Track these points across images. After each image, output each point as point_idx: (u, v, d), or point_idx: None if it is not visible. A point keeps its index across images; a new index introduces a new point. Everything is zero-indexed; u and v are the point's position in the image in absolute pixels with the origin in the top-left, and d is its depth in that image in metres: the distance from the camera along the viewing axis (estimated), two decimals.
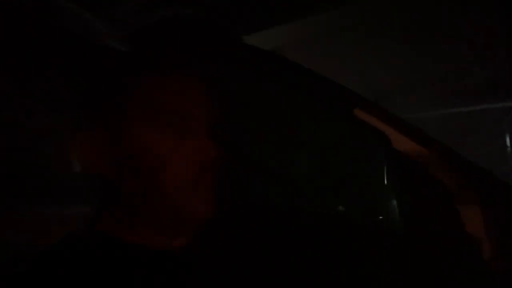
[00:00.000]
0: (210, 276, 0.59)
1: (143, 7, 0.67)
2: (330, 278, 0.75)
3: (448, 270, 0.80)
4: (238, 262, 0.64)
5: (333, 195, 1.17)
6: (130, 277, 0.53)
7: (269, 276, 0.67)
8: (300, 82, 0.97)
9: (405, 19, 1.08)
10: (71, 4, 0.65)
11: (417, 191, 0.83)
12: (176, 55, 0.60)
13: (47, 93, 0.86)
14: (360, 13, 1.08)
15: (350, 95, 0.95)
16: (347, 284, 0.77)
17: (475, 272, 0.76)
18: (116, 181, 0.56)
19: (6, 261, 0.72)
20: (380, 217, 0.89)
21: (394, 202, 0.87)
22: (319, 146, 1.29)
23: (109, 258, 0.54)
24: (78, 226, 0.58)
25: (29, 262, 0.53)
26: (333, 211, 1.08)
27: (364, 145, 0.95)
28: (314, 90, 0.98)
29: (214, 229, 0.62)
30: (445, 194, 0.79)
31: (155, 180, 0.54)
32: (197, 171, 0.55)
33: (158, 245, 0.57)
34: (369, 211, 1.04)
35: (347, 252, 0.89)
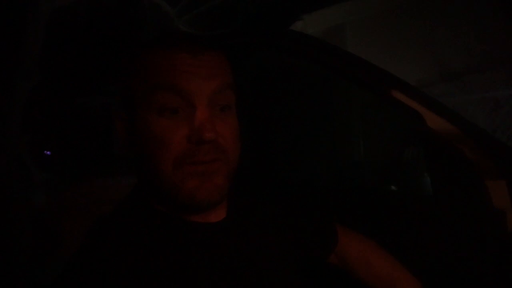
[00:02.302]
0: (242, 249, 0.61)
1: None
2: None
3: (475, 238, 0.86)
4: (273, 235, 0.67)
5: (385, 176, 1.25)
6: (168, 244, 0.56)
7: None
8: (340, 67, 1.03)
9: None
10: None
11: (447, 166, 0.89)
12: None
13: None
14: None
15: (389, 78, 1.00)
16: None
17: (500, 239, 0.83)
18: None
19: None
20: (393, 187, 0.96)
21: (425, 176, 0.94)
22: (368, 132, 1.35)
23: (149, 225, 0.58)
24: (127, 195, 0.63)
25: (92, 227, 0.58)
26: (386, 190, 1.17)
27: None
28: (354, 74, 1.03)
29: (246, 206, 0.67)
30: (473, 169, 0.85)
31: (153, 158, 0.56)
32: (187, 147, 0.55)
33: (188, 218, 0.59)
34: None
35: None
